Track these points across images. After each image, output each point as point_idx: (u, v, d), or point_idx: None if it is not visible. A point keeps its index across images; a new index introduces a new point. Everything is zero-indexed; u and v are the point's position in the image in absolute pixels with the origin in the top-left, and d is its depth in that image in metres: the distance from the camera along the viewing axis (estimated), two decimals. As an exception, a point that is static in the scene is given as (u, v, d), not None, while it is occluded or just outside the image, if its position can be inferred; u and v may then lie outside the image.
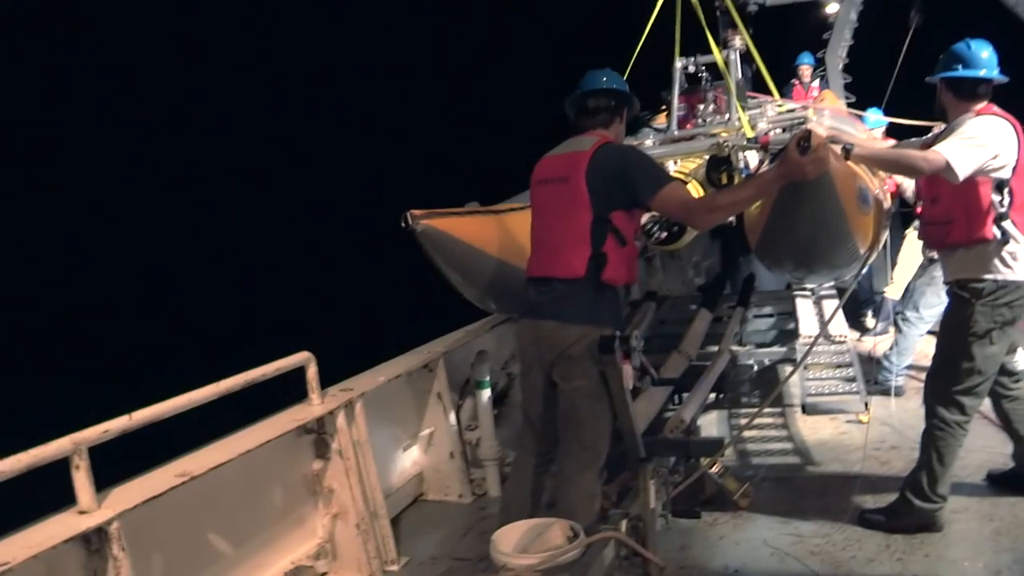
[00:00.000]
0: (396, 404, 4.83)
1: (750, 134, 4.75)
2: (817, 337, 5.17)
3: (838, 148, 3.59)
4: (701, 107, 6.18)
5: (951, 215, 3.81)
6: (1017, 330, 3.93)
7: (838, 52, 13.61)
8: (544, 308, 3.42)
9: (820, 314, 6.46)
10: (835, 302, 6.38)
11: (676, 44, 6.04)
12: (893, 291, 7.37)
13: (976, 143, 3.59)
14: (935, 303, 5.88)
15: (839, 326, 5.94)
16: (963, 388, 3.86)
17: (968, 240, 3.76)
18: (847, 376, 5.44)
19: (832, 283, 6.38)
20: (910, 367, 6.17)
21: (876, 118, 7.59)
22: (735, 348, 5.69)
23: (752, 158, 5.12)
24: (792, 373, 4.79)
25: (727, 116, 5.56)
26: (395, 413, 4.84)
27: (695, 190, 4.63)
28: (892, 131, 8.25)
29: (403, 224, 3.55)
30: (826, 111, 5.80)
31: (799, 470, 4.89)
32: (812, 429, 5.51)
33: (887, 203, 4.33)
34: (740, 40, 11.24)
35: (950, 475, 3.97)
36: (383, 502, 4.15)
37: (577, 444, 3.43)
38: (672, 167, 4.99)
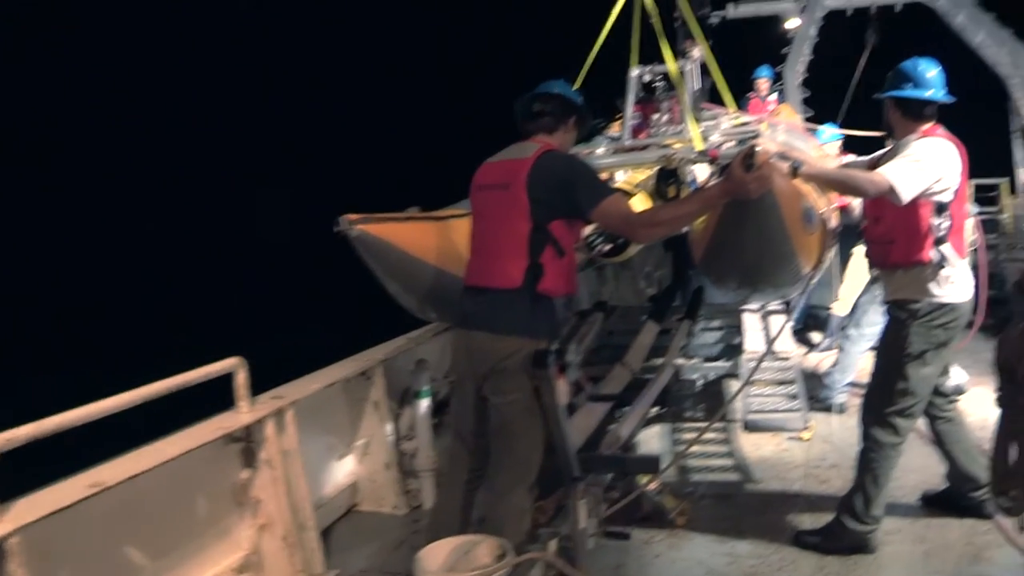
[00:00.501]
0: (332, 412, 4.72)
1: (700, 147, 4.70)
2: (763, 356, 5.15)
3: (786, 166, 3.57)
4: (655, 117, 6.13)
5: (892, 235, 3.84)
6: (951, 352, 3.96)
7: (796, 67, 13.79)
8: (478, 318, 3.33)
9: (766, 329, 6.46)
10: (781, 318, 6.40)
11: (633, 53, 5.98)
12: (840, 307, 7.41)
13: (920, 166, 3.61)
14: (877, 321, 5.87)
15: (784, 343, 5.95)
16: (897, 409, 3.88)
17: (907, 261, 3.80)
18: (790, 393, 5.44)
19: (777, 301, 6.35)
20: (852, 384, 6.19)
21: (831, 132, 7.60)
22: (680, 362, 5.65)
23: (702, 171, 5.08)
24: (738, 392, 4.77)
25: (681, 127, 5.53)
26: (330, 421, 4.73)
27: (643, 202, 4.57)
28: (849, 144, 8.33)
29: (336, 228, 3.43)
30: (780, 125, 5.79)
31: (739, 488, 4.87)
32: (754, 446, 5.50)
33: (833, 222, 4.31)
34: (698, 51, 11.31)
35: (884, 496, 3.98)
36: (312, 513, 4.03)
37: (508, 460, 3.34)
38: (621, 177, 4.93)
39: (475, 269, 3.46)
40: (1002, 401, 2.96)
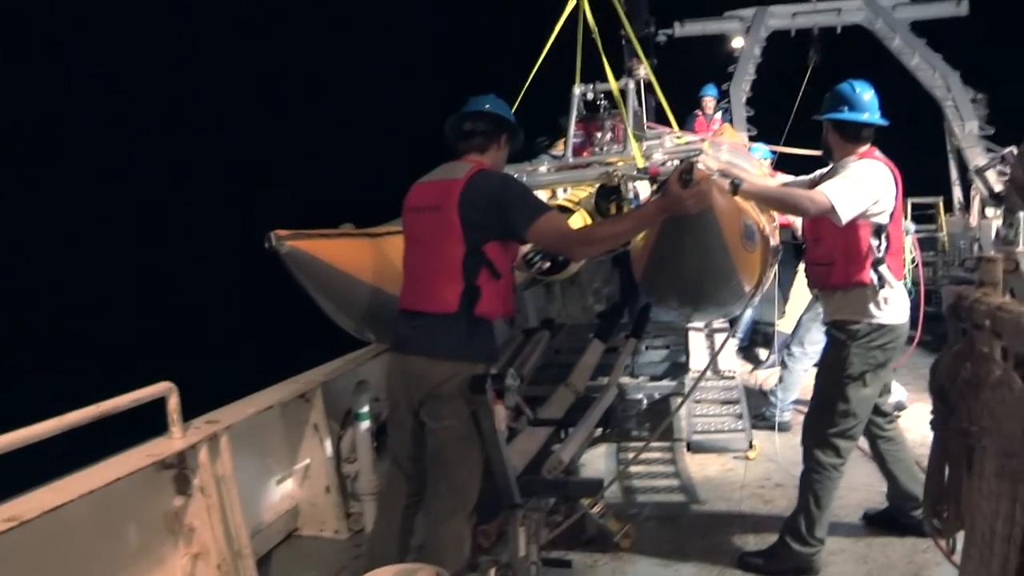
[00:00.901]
0: (270, 434, 4.61)
1: (641, 164, 4.72)
2: (703, 372, 5.15)
3: (726, 183, 3.57)
4: (599, 135, 6.14)
5: (832, 257, 3.88)
6: (890, 371, 4.02)
7: (741, 85, 14.00)
8: (414, 343, 3.27)
9: (711, 347, 6.48)
10: (726, 335, 6.44)
11: (577, 71, 5.98)
12: (785, 324, 7.48)
13: (860, 187, 3.66)
14: (820, 339, 5.92)
15: (729, 360, 5.98)
16: (838, 431, 3.91)
17: (847, 283, 3.84)
18: (734, 412, 5.46)
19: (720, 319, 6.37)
20: (796, 402, 6.25)
21: (763, 151, 7.68)
22: (625, 381, 5.64)
23: (644, 189, 5.09)
24: (677, 409, 4.78)
25: (624, 145, 5.54)
26: (269, 444, 4.62)
27: (583, 219, 4.57)
28: (786, 162, 8.45)
29: (266, 244, 3.30)
30: (723, 144, 5.84)
31: (684, 508, 4.86)
32: (699, 465, 5.50)
33: (775, 240, 4.34)
34: (642, 69, 11.41)
35: (827, 517, 3.99)
36: (248, 541, 3.92)
37: (446, 486, 3.29)
38: (562, 195, 4.92)
39: (409, 293, 3.39)
40: (936, 424, 2.99)
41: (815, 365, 7.31)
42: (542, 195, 6.19)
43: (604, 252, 4.32)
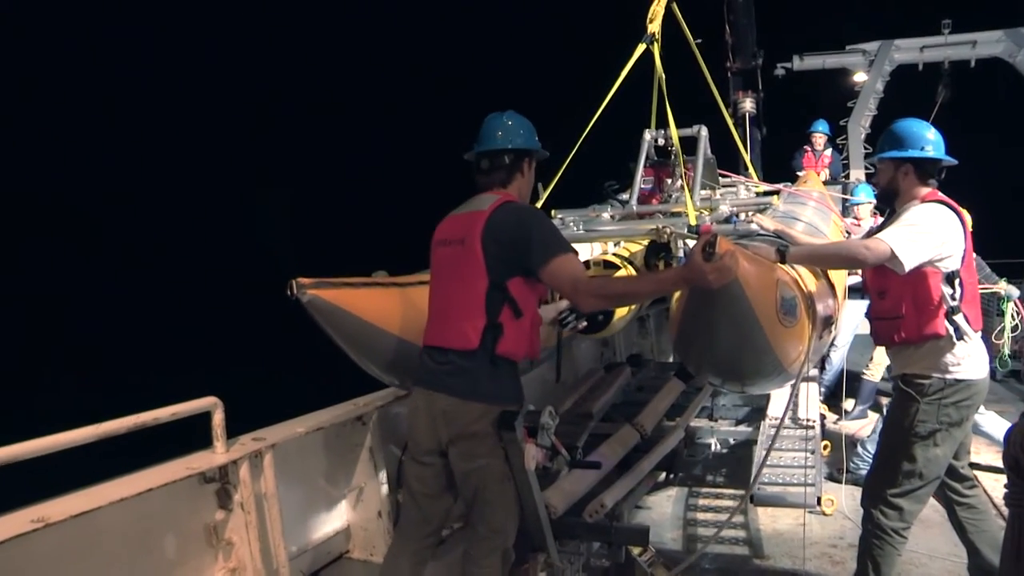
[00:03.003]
0: (324, 455, 4.60)
1: (693, 222, 4.54)
2: (781, 421, 4.84)
3: (772, 250, 3.40)
4: (668, 181, 5.98)
5: (900, 310, 3.59)
6: (964, 432, 3.70)
7: (860, 121, 13.45)
8: (441, 380, 3.16)
9: (795, 394, 6.13)
10: (814, 384, 6.08)
11: (652, 116, 5.87)
12: (874, 372, 7.05)
13: (920, 230, 3.41)
14: None
15: (811, 409, 5.63)
16: (902, 491, 3.63)
17: (918, 336, 3.56)
18: (807, 464, 5.12)
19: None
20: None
21: (868, 190, 7.32)
22: (697, 424, 5.39)
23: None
24: (761, 468, 4.41)
25: (692, 188, 5.39)
26: (322, 465, 4.60)
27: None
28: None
29: (288, 292, 3.24)
30: (807, 195, 5.59)
31: (744, 562, 4.60)
32: (771, 518, 5.22)
33: (827, 308, 4.01)
34: (749, 103, 11.15)
35: None
36: (286, 560, 3.89)
37: (484, 528, 3.18)
38: (612, 248, 4.75)
39: (433, 328, 3.30)
40: (1010, 499, 2.70)
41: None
42: (596, 248, 6.07)
43: (612, 308, 4.16)
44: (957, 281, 3.52)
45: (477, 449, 3.09)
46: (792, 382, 3.63)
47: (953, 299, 3.51)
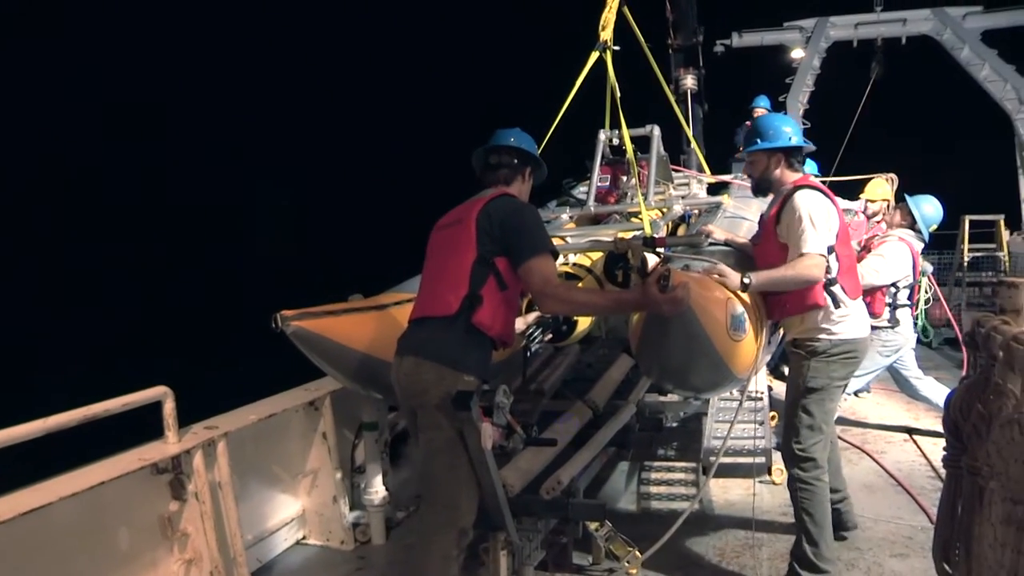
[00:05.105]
0: (278, 442, 4.58)
1: (648, 232, 4.67)
2: (742, 397, 4.93)
3: (737, 279, 3.63)
4: (624, 179, 6.07)
5: None
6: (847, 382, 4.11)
7: (799, 97, 13.68)
8: (407, 344, 3.24)
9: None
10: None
11: (606, 118, 6.00)
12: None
13: (820, 223, 3.72)
14: (868, 366, 5.80)
15: (759, 381, 5.76)
16: (809, 443, 3.91)
17: (803, 308, 3.85)
18: (757, 435, 5.24)
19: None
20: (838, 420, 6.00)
21: (812, 167, 7.51)
22: (648, 399, 5.46)
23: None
24: (721, 448, 4.51)
25: (646, 192, 5.61)
26: (276, 452, 4.58)
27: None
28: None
29: (273, 325, 3.35)
30: (745, 189, 5.72)
31: (699, 533, 4.66)
32: (722, 488, 5.31)
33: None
34: (690, 80, 11.24)
35: (828, 534, 3.91)
36: (243, 548, 3.89)
37: (433, 499, 3.20)
38: (573, 258, 4.86)
39: (417, 304, 3.38)
40: (947, 460, 2.79)
41: (863, 390, 7.12)
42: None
43: (572, 314, 4.47)
44: (833, 256, 3.79)
45: (425, 420, 3.14)
46: (743, 383, 3.94)
47: (830, 272, 3.78)
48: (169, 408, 3.62)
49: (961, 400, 2.69)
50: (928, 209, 6.01)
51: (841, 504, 4.41)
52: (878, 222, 7.02)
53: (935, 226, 6.09)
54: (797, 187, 3.86)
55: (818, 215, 3.71)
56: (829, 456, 4.29)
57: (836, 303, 3.80)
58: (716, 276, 3.64)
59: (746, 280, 3.63)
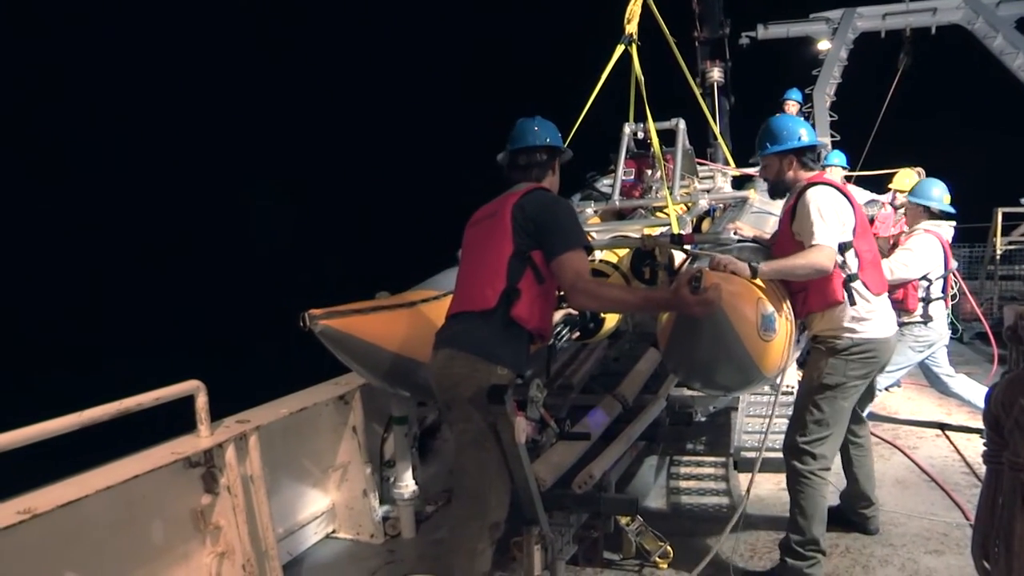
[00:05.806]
0: (309, 436, 4.60)
1: (676, 229, 4.65)
2: (776, 392, 4.88)
3: (746, 267, 3.58)
4: (649, 172, 6.02)
5: (804, 283, 3.82)
6: (867, 384, 4.05)
7: (826, 89, 13.52)
8: (444, 338, 3.25)
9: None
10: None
11: (631, 110, 5.95)
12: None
13: (832, 215, 3.71)
14: (900, 361, 5.74)
15: (790, 376, 5.69)
16: (813, 439, 3.90)
17: (823, 305, 3.84)
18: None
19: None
20: (870, 416, 5.93)
21: (841, 158, 7.41)
22: (677, 394, 5.42)
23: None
24: (762, 444, 4.47)
25: (672, 187, 5.55)
26: (307, 445, 4.60)
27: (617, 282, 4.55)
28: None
29: (301, 324, 3.39)
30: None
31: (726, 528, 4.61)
32: (753, 483, 5.25)
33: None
34: (717, 72, 11.15)
35: (820, 526, 3.90)
36: (274, 542, 3.91)
37: (463, 492, 3.22)
38: (599, 255, 4.84)
39: (455, 300, 3.41)
40: (988, 456, 2.74)
41: (894, 385, 7.04)
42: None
43: (601, 311, 4.41)
44: (852, 252, 3.79)
45: (455, 413, 3.17)
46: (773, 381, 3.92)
47: (849, 268, 3.78)
48: (202, 402, 3.64)
49: (1003, 394, 2.64)
50: (935, 192, 5.92)
51: (867, 510, 4.47)
52: (905, 213, 6.93)
53: (948, 197, 5.97)
54: (810, 184, 3.87)
55: (828, 209, 3.71)
56: (861, 463, 4.41)
57: (858, 300, 3.80)
58: (726, 267, 3.60)
59: (754, 265, 3.61)
